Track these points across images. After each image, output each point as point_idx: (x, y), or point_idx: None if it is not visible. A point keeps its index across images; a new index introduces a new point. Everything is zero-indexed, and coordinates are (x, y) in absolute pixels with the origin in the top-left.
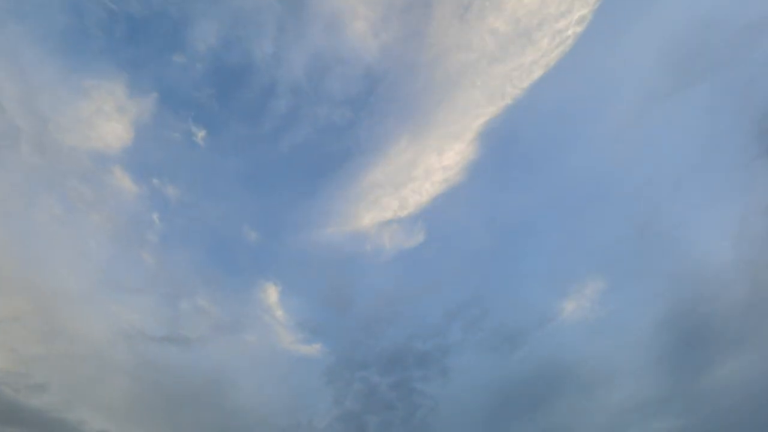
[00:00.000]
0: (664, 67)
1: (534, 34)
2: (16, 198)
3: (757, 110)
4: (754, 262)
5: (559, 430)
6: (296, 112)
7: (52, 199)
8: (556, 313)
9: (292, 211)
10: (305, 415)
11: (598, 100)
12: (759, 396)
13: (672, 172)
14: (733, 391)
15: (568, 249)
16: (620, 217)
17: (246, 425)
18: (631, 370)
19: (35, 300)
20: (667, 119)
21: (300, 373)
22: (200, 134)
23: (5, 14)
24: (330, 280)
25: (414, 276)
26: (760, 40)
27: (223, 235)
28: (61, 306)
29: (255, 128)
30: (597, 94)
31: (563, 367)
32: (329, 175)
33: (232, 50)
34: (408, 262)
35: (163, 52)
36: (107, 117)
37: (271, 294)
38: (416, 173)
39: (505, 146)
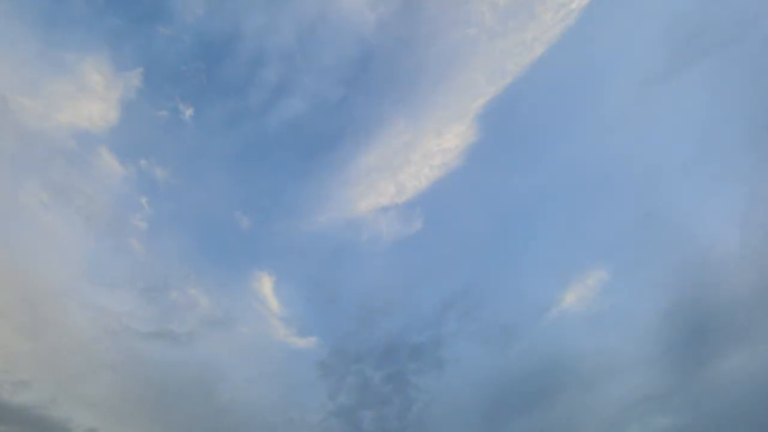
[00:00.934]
0: (668, 43)
1: (536, 8)
2: None
3: (765, 89)
4: (762, 249)
5: (559, 427)
6: (286, 84)
7: (34, 184)
8: (557, 305)
9: (284, 196)
10: (298, 411)
11: (601, 79)
12: (766, 390)
13: (676, 155)
14: (738, 385)
15: (569, 237)
16: (623, 203)
17: (238, 422)
18: (635, 364)
19: (18, 293)
20: (670, 99)
21: (293, 366)
22: (188, 112)
23: None
24: (324, 269)
25: (411, 265)
26: (767, 15)
27: (214, 221)
28: (46, 299)
29: (243, 102)
30: (600, 72)
31: (564, 361)
32: (322, 157)
33: (219, 20)
34: (405, 250)
35: (148, 23)
36: (91, 94)
37: (264, 284)
38: (414, 157)
39: (505, 129)
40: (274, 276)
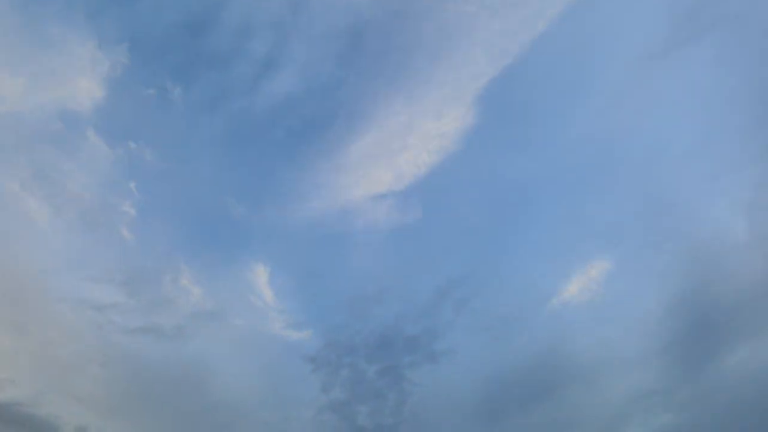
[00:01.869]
0: (671, 17)
1: None
2: None
3: None
4: None
5: (559, 424)
6: (276, 57)
7: (15, 168)
8: (559, 295)
9: (277, 181)
10: (292, 407)
11: (603, 57)
12: None
13: (680, 139)
14: (745, 380)
15: (571, 224)
16: (626, 190)
17: (231, 417)
18: (638, 358)
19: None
20: (672, 78)
21: (287, 360)
22: (176, 89)
23: None
24: (318, 259)
25: (408, 254)
26: None
27: (205, 208)
28: (29, 292)
29: (232, 77)
30: (602, 50)
31: (565, 355)
32: (315, 140)
33: None
34: (402, 238)
35: None
36: (76, 70)
37: (257, 274)
38: (411, 140)
39: (505, 111)
40: (266, 265)
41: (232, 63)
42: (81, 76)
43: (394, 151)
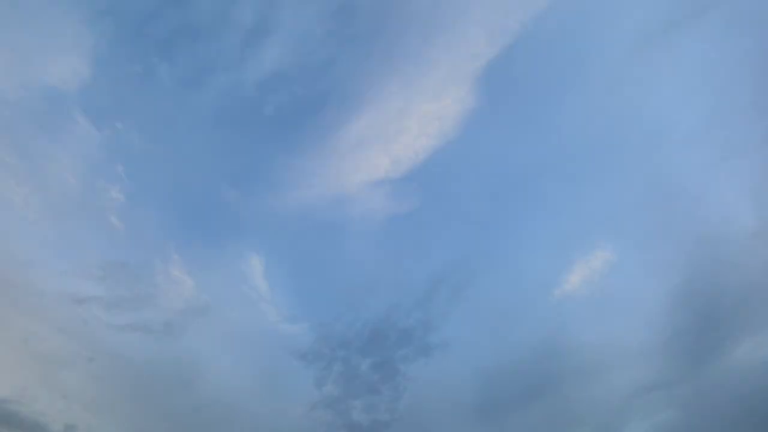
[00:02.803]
0: None
1: None
2: None
3: None
4: None
5: (559, 420)
6: (264, 26)
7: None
8: (560, 287)
9: (270, 166)
10: (286, 402)
11: (602, 38)
12: None
13: (682, 122)
14: (749, 374)
15: (573, 212)
16: (628, 175)
17: (222, 416)
18: (641, 351)
19: None
20: (674, 56)
21: (280, 354)
22: (162, 65)
23: None
24: (312, 249)
25: (405, 243)
26: None
27: (196, 193)
28: (11, 285)
29: (219, 48)
30: (601, 29)
31: (565, 349)
32: (307, 122)
33: None
34: (399, 227)
35: None
36: (60, 48)
37: (251, 264)
38: (409, 124)
39: (505, 93)
40: (260, 255)
41: (219, 33)
42: (65, 52)
43: (390, 135)
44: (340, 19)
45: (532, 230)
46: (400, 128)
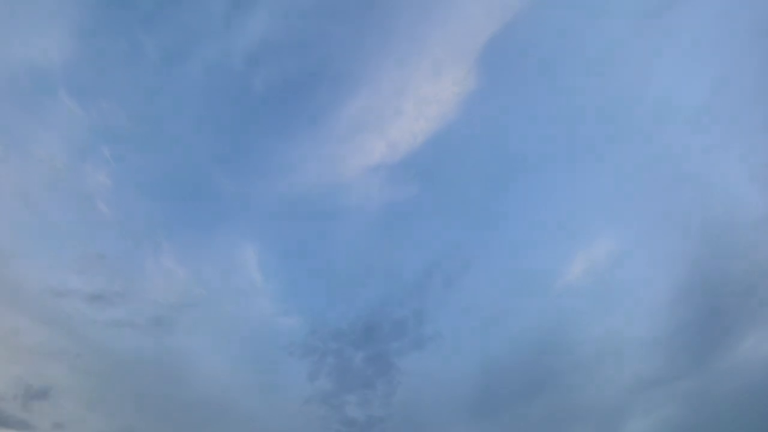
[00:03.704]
0: None
1: None
2: None
3: None
4: None
5: (558, 418)
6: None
7: None
8: (560, 277)
9: (261, 149)
10: (279, 397)
11: (606, 9)
12: None
13: (686, 102)
14: (755, 368)
15: (574, 198)
16: (631, 159)
17: (212, 412)
18: (644, 345)
19: None
20: (677, 31)
21: (273, 347)
22: (147, 40)
23: None
24: (305, 238)
25: (401, 231)
26: None
27: (185, 176)
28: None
29: (204, 16)
30: (602, 4)
31: (567, 343)
32: (299, 104)
33: None
34: (395, 215)
35: None
36: (43, 22)
37: (245, 254)
38: (406, 106)
39: (506, 72)
40: (251, 244)
41: (204, 0)
42: (47, 26)
43: (386, 119)
44: None
45: (531, 217)
46: (397, 111)
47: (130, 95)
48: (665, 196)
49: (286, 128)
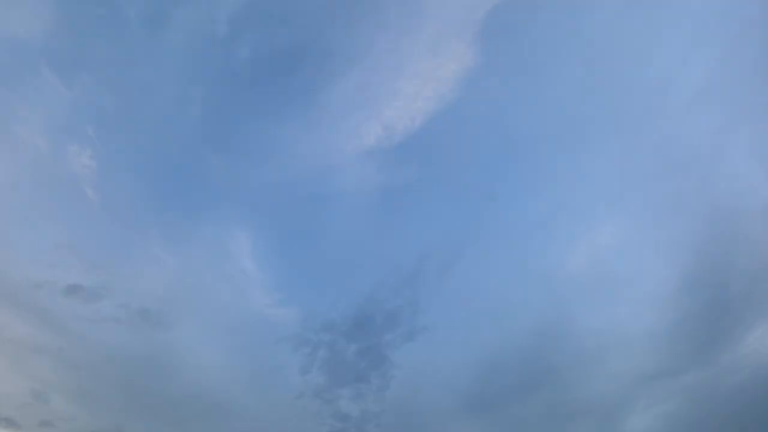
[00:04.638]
0: None
1: None
2: None
3: None
4: None
5: (558, 414)
6: None
7: None
8: (561, 267)
9: (252, 133)
10: (271, 392)
11: None
12: None
13: (689, 75)
14: (760, 362)
15: (575, 183)
16: (632, 143)
17: (203, 407)
18: (647, 338)
19: None
20: (679, 4)
21: (266, 340)
22: (128, 7)
23: None
24: (298, 225)
25: (397, 216)
26: None
27: (173, 156)
28: None
29: None
30: None
31: (567, 335)
32: (290, 81)
33: None
34: (392, 199)
35: None
36: None
37: (238, 243)
38: (402, 85)
39: (505, 49)
40: (243, 232)
41: None
42: None
43: (382, 99)
44: None
45: (531, 203)
46: (393, 90)
47: (112, 68)
48: (669, 181)
49: (275, 107)
